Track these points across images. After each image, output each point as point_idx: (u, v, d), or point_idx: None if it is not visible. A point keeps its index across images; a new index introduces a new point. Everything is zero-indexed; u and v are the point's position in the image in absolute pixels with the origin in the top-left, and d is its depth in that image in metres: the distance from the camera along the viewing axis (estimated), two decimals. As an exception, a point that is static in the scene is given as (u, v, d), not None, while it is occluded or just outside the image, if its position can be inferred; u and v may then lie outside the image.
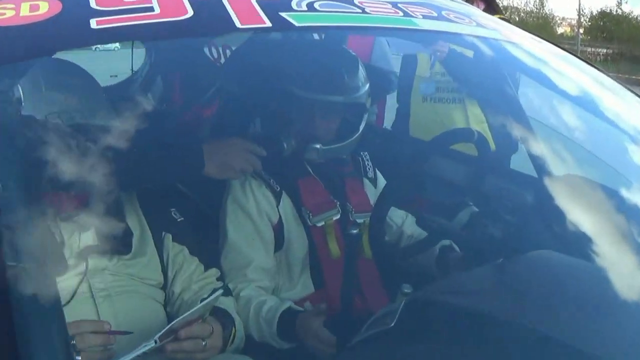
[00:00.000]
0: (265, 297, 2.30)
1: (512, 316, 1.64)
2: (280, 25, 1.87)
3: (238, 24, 1.78)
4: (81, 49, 1.85)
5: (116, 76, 4.62)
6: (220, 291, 2.03)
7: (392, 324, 1.55)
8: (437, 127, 4.02)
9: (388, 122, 4.71)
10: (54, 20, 1.71)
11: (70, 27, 1.75)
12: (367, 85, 2.47)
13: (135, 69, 4.63)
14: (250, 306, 2.25)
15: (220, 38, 3.75)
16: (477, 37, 2.36)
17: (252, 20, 1.83)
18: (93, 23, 1.69)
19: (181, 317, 1.81)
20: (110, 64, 4.79)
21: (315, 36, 2.91)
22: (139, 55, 4.45)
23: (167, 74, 3.90)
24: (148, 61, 4.36)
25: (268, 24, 1.81)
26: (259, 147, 2.33)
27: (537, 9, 37.15)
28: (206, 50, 3.92)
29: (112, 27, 1.70)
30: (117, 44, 4.86)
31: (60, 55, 2.10)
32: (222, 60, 3.78)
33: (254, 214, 2.42)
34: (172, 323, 1.76)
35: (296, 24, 1.86)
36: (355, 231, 1.96)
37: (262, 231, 2.42)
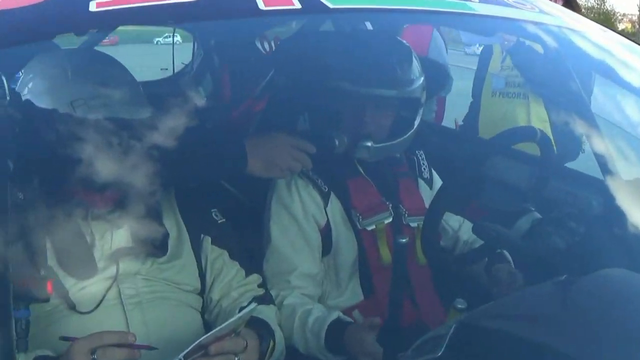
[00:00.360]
0: (311, 305, 2.15)
1: (577, 347, 1.43)
2: (312, 7, 1.72)
3: (261, 6, 1.63)
4: (80, 33, 1.73)
5: (167, 69, 4.55)
6: (255, 305, 1.87)
7: (440, 353, 1.36)
8: (502, 125, 3.87)
9: (455, 118, 4.60)
10: (51, 2, 1.62)
11: (68, 10, 1.64)
12: (422, 79, 2.29)
13: (187, 62, 4.57)
14: (295, 316, 2.10)
15: (269, 31, 3.65)
16: (541, 24, 2.18)
17: (278, 1, 1.68)
18: (92, 5, 1.58)
19: (211, 332, 1.67)
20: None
21: (368, 26, 2.76)
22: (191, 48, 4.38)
23: (217, 68, 3.80)
24: (199, 55, 4.28)
25: (297, 5, 1.66)
26: (308, 144, 2.17)
27: (597, 5, 36.55)
28: (258, 43, 3.81)
29: (112, 10, 1.59)
30: (179, 37, 4.81)
31: (59, 39, 1.99)
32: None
33: (300, 216, 2.28)
34: (201, 339, 1.61)
35: (330, 6, 1.70)
36: (404, 240, 1.78)
37: (308, 234, 2.27)
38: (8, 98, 1.55)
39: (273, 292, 2.17)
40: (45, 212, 1.85)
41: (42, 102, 1.88)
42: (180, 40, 4.45)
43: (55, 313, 1.85)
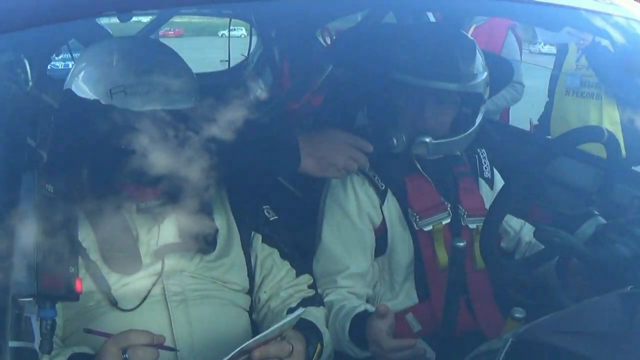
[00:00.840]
0: (347, 301, 2.07)
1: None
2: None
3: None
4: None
5: (226, 61, 4.51)
6: (302, 310, 1.80)
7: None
8: (573, 125, 3.77)
9: (530, 118, 4.50)
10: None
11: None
12: (485, 74, 2.18)
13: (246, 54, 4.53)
14: (331, 312, 2.04)
15: (332, 23, 3.57)
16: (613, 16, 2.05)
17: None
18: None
19: (255, 337, 1.59)
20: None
21: (430, 17, 2.66)
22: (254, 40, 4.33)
23: (277, 60, 3.73)
24: (259, 47, 4.23)
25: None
26: (366, 142, 2.07)
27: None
28: (319, 36, 3.74)
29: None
30: (244, 31, 4.78)
31: (113, 27, 1.93)
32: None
33: (354, 214, 2.19)
34: (244, 344, 1.54)
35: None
36: (462, 244, 1.67)
37: (361, 233, 2.19)
38: (30, 84, 1.50)
39: (319, 292, 2.11)
40: (90, 205, 1.80)
41: (89, 91, 1.83)
42: (245, 34, 4.41)
43: (96, 309, 1.81)
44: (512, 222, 2.44)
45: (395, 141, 2.16)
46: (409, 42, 2.19)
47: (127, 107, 1.76)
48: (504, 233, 2.42)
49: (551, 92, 4.44)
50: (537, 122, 4.50)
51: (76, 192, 1.74)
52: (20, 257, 1.37)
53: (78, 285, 1.60)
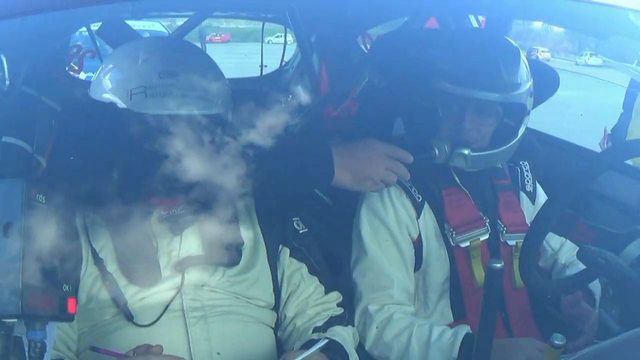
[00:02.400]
0: (422, 322, 2.00)
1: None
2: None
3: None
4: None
5: (266, 66, 4.46)
6: (326, 341, 1.72)
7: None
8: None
9: (605, 127, 4.43)
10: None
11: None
12: (530, 84, 2.07)
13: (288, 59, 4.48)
14: (410, 334, 1.95)
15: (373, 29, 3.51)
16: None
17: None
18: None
19: None
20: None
21: (474, 23, 2.55)
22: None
23: (316, 67, 3.66)
24: (297, 53, 4.18)
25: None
26: (405, 152, 1.95)
27: None
28: (359, 41, 3.67)
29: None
30: (290, 38, 4.74)
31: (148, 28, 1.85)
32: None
33: (394, 227, 2.10)
34: None
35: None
36: (499, 265, 1.56)
37: (402, 247, 2.10)
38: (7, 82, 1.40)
39: (372, 307, 2.02)
40: (109, 212, 1.72)
41: (111, 92, 1.76)
42: (292, 40, 4.36)
43: (112, 323, 1.75)
44: (552, 242, 2.33)
45: (437, 152, 2.05)
46: (450, 48, 2.08)
47: (145, 109, 1.69)
48: (541, 251, 2.32)
49: (628, 106, 4.46)
50: (610, 132, 4.48)
51: (80, 202, 1.66)
52: (4, 274, 1.27)
53: (71, 306, 1.44)
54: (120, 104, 1.71)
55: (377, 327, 1.99)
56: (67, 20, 1.66)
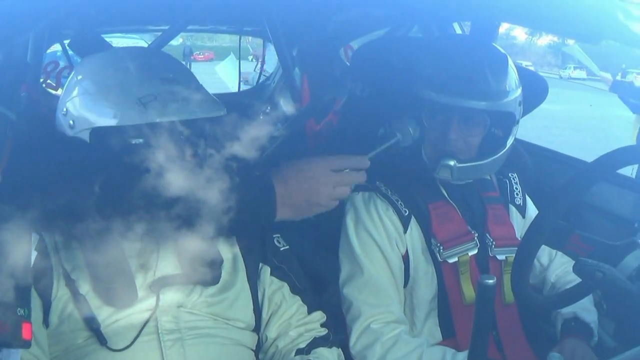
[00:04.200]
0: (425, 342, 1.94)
1: None
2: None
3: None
4: None
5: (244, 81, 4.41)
6: None
7: None
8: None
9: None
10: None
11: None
12: (519, 91, 1.99)
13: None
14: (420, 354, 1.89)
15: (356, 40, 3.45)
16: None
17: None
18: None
19: None
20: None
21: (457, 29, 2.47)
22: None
23: (298, 80, 3.60)
24: (278, 67, 4.12)
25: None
26: (360, 157, 1.78)
27: None
28: (342, 53, 3.60)
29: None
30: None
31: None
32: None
33: (385, 242, 2.02)
34: None
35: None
36: (491, 282, 1.46)
37: (393, 263, 2.02)
38: None
39: (375, 325, 1.94)
40: (80, 229, 1.62)
41: (107, 104, 1.66)
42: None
43: (84, 347, 1.65)
44: (542, 258, 2.25)
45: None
46: (434, 54, 2.00)
47: (161, 117, 1.60)
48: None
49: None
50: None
51: (42, 220, 1.55)
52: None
53: (26, 332, 1.35)
54: (127, 114, 1.61)
55: (381, 346, 1.91)
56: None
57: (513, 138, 2.04)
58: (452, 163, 1.95)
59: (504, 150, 2.02)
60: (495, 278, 1.37)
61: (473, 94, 1.90)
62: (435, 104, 1.92)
